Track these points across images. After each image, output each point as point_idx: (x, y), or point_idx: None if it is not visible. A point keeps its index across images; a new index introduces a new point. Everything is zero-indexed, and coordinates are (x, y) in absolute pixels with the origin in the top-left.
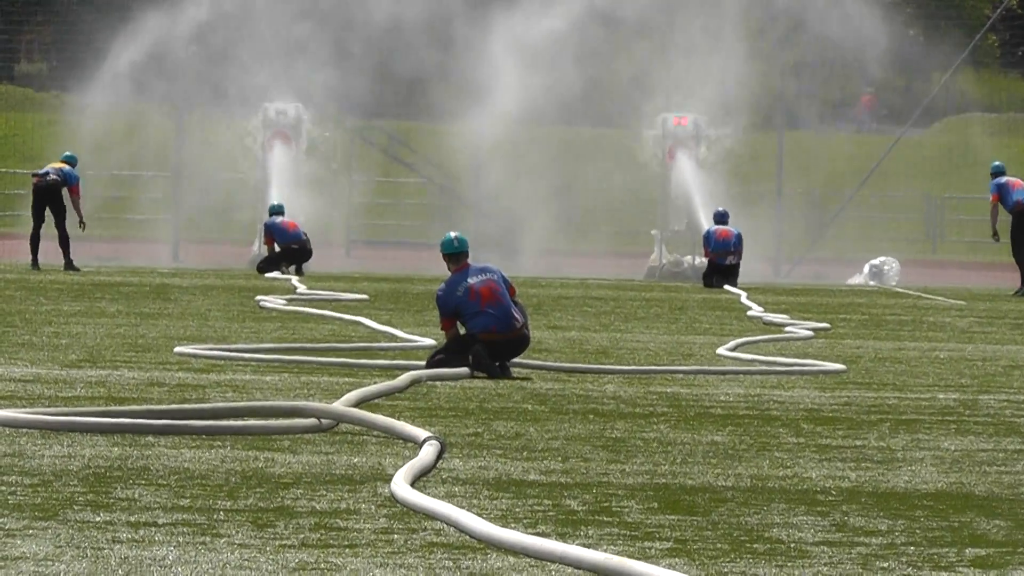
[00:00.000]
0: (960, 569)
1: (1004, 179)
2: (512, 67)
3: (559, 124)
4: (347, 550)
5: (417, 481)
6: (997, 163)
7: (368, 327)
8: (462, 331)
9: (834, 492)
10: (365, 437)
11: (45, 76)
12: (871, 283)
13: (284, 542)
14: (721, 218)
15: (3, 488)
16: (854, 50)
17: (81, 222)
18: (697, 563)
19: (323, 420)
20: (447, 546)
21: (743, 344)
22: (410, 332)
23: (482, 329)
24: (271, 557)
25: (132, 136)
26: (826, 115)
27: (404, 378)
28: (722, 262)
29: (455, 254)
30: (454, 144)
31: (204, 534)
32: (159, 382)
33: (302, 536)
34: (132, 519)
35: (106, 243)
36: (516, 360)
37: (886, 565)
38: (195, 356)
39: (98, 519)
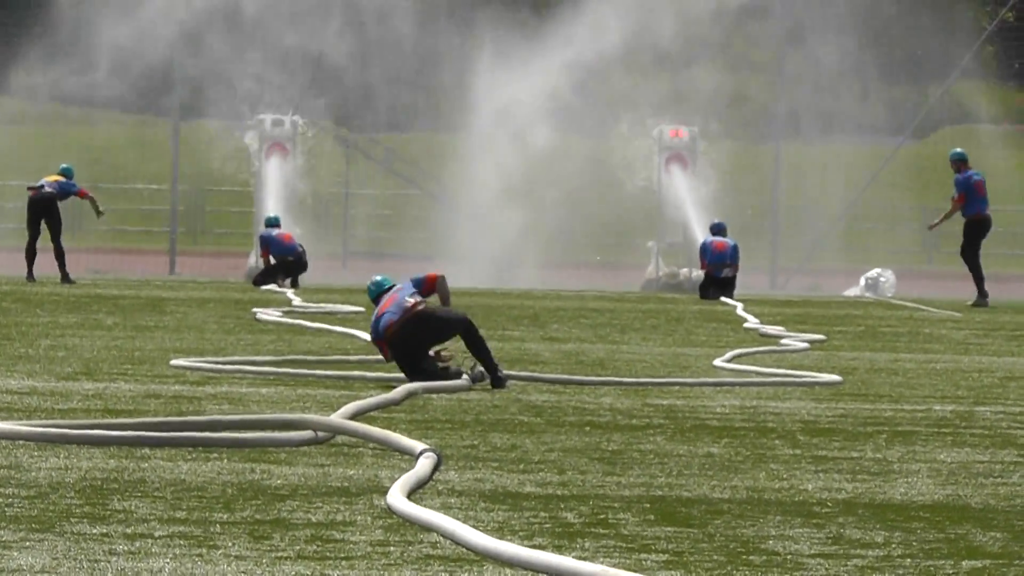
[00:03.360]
0: None
1: (974, 178)
2: (508, 80)
3: (555, 135)
4: (343, 562)
5: (413, 493)
6: (960, 150)
7: (364, 340)
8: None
9: (830, 504)
10: (361, 449)
11: (43, 88)
12: (867, 295)
13: (280, 554)
14: (718, 230)
15: (0, 500)
16: (853, 61)
17: (99, 212)
18: (693, 575)
19: (319, 432)
20: (443, 558)
21: (739, 356)
22: None
23: (385, 327)
24: (267, 569)
25: (128, 148)
26: (825, 126)
27: (400, 391)
28: (718, 274)
29: (383, 294)
30: (450, 156)
31: (200, 546)
32: (155, 394)
33: (298, 548)
34: (129, 531)
35: (102, 255)
36: (512, 372)
37: None
38: (191, 369)
39: (95, 531)
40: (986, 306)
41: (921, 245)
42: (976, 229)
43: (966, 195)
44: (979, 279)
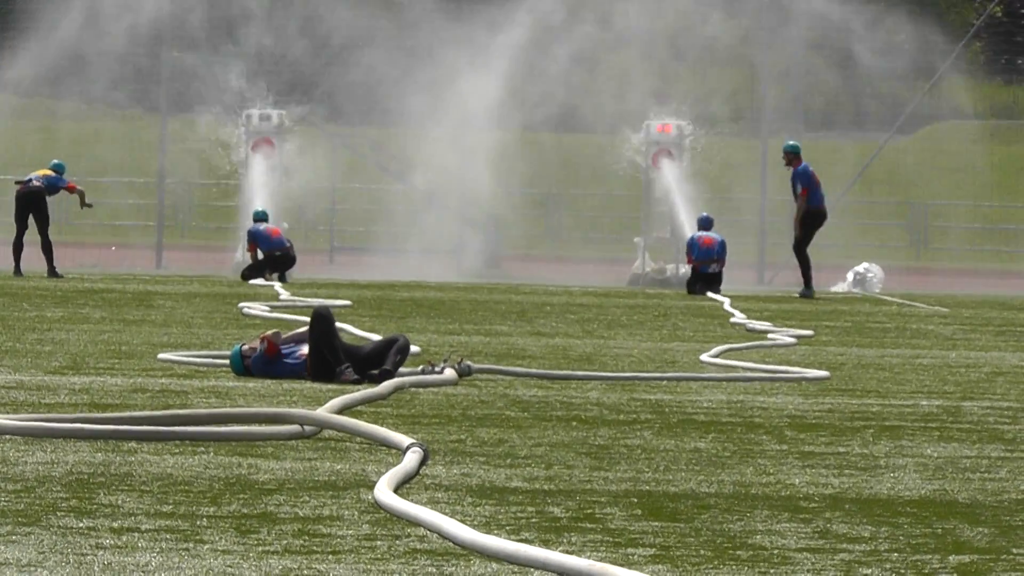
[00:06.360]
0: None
1: (811, 169)
2: (495, 73)
3: (543, 130)
4: (330, 556)
5: (400, 487)
6: (795, 143)
7: (351, 334)
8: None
9: (817, 499)
10: (348, 444)
11: (29, 82)
12: (855, 290)
13: (267, 548)
14: (705, 224)
15: None
16: (840, 56)
17: (84, 203)
18: (680, 569)
19: (306, 426)
20: (430, 552)
21: (726, 351)
22: None
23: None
24: (254, 563)
25: (114, 142)
26: (810, 122)
27: (387, 385)
28: (705, 269)
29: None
30: (437, 151)
31: (187, 540)
32: (142, 388)
33: (285, 542)
34: (115, 525)
35: (89, 250)
36: (498, 367)
37: (869, 572)
38: (178, 363)
39: (81, 525)
40: (812, 297)
41: (908, 241)
42: (814, 221)
43: (809, 188)
44: (807, 271)
